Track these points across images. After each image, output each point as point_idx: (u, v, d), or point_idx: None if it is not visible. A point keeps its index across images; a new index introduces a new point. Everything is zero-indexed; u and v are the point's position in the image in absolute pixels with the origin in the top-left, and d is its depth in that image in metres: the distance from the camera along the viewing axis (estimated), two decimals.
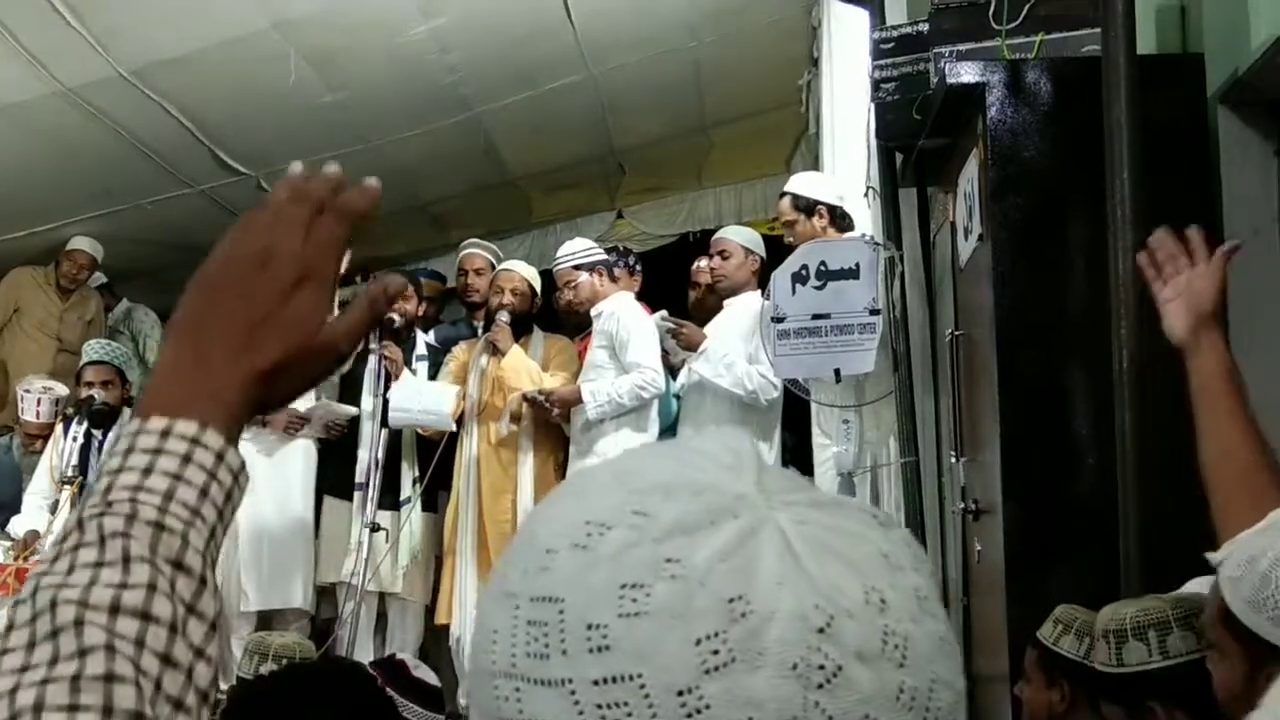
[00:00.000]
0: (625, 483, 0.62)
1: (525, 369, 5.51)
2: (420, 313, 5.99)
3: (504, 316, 5.58)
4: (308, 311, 0.82)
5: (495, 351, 5.55)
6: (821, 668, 0.55)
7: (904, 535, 0.63)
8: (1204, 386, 2.05)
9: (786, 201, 4.87)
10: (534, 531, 0.62)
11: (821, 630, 0.56)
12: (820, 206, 4.78)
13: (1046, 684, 2.67)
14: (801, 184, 4.92)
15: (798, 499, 0.61)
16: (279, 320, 0.80)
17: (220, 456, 0.76)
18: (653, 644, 0.56)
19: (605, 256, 5.64)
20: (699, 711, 0.55)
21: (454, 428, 5.53)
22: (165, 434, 0.74)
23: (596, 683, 0.56)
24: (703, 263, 5.78)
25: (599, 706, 0.56)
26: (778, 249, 5.35)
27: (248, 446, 5.70)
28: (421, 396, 5.54)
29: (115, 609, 0.67)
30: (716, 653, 0.55)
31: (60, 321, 6.94)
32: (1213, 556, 1.80)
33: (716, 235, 5.67)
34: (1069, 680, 2.61)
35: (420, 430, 5.64)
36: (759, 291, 5.39)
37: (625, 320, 5.36)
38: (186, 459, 0.74)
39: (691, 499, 0.59)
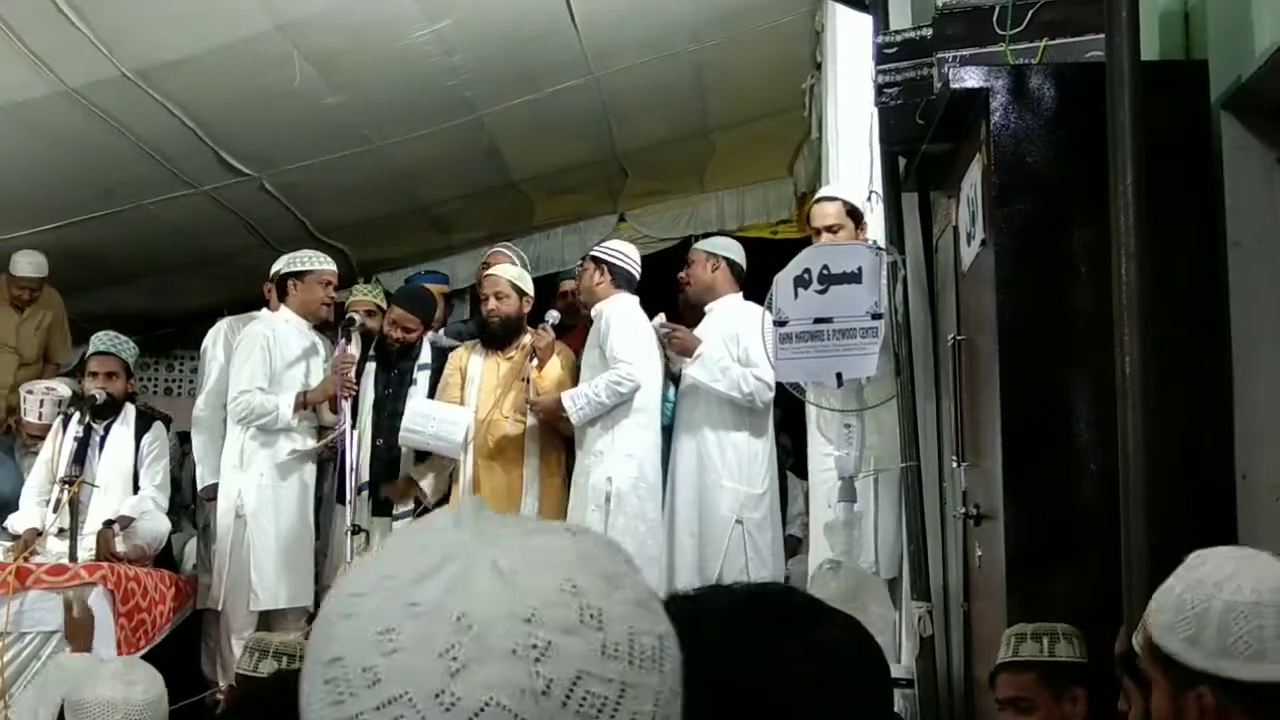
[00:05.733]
0: (378, 560, 0.79)
1: (558, 388, 5.52)
2: (419, 333, 5.95)
3: (551, 319, 5.61)
4: None
5: (536, 358, 5.54)
6: (534, 646, 0.72)
7: (595, 538, 0.80)
8: None
9: (836, 207, 4.85)
10: (322, 613, 0.79)
11: (528, 620, 0.72)
12: (864, 219, 4.82)
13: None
14: (848, 193, 4.91)
15: (505, 534, 0.78)
16: None
17: None
18: (410, 667, 0.72)
19: (623, 263, 5.56)
20: (455, 704, 0.71)
21: (461, 456, 5.54)
22: None
23: (378, 708, 0.72)
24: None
25: None
26: (775, 251, 5.37)
27: (256, 450, 5.78)
28: (434, 421, 5.55)
29: None
30: (455, 659, 0.71)
31: (17, 335, 6.86)
32: None
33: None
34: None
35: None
36: (739, 294, 5.42)
37: (609, 316, 5.36)
38: None
39: (422, 556, 0.76)
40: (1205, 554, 1.73)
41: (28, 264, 6.64)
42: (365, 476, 5.67)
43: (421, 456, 5.73)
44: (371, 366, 5.86)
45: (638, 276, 5.59)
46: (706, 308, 5.47)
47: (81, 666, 3.27)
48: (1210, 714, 1.60)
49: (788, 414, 5.57)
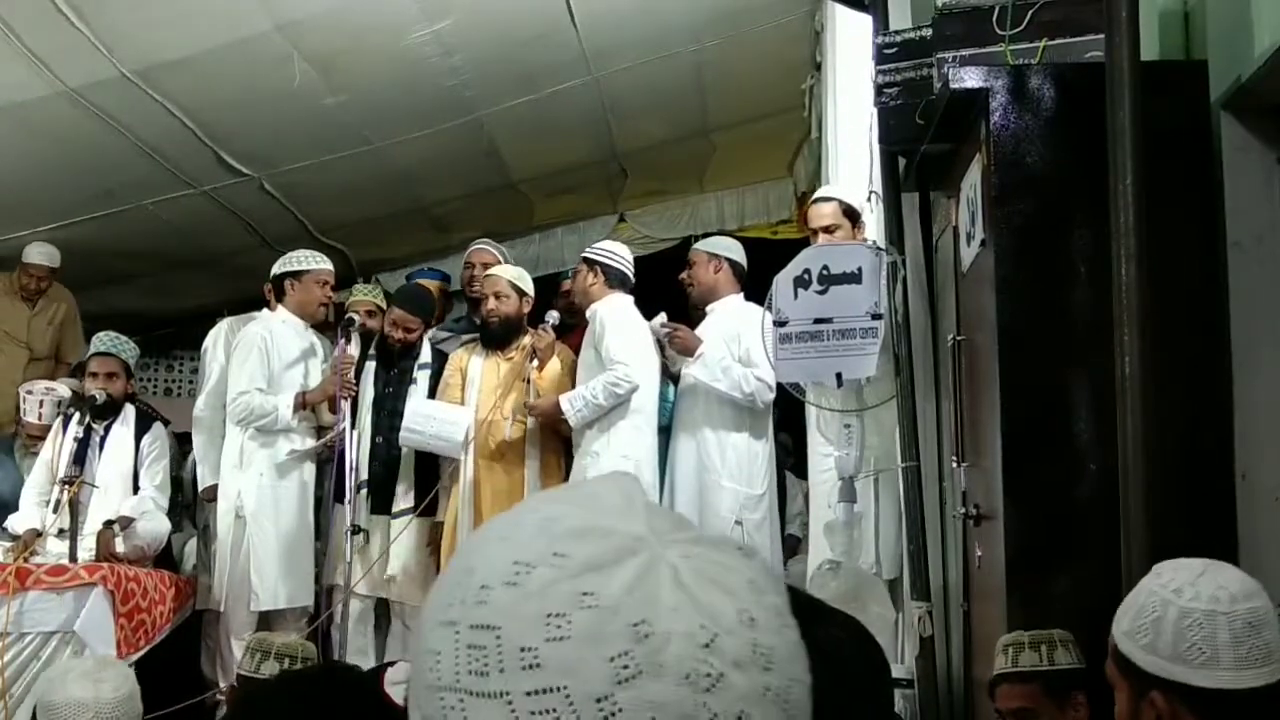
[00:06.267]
0: (545, 528, 0.73)
1: (557, 388, 5.53)
2: (420, 333, 5.95)
3: (551, 319, 5.63)
4: None
5: (536, 359, 5.55)
6: (708, 675, 0.68)
7: (763, 563, 0.76)
8: None
9: (833, 207, 4.85)
10: (468, 568, 0.74)
11: (707, 646, 0.69)
12: (860, 218, 4.82)
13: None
14: (845, 193, 4.91)
15: (681, 537, 0.73)
16: None
17: None
18: (575, 662, 0.68)
19: (615, 264, 5.57)
20: (614, 715, 0.67)
21: (462, 456, 5.55)
22: None
23: (529, 694, 0.68)
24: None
25: (532, 713, 0.68)
26: (775, 251, 5.36)
27: (255, 450, 5.79)
28: (435, 421, 5.55)
29: None
30: (626, 667, 0.67)
31: (29, 330, 6.87)
32: None
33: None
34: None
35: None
36: (740, 294, 5.43)
37: (604, 317, 5.37)
38: None
39: (600, 541, 0.71)
40: (1168, 564, 1.78)
41: (38, 253, 6.68)
42: (364, 476, 5.67)
43: (426, 475, 5.72)
44: (371, 365, 5.86)
45: (631, 276, 5.60)
46: (708, 308, 5.49)
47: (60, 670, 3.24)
48: (1164, 718, 1.65)
49: (788, 414, 5.57)
